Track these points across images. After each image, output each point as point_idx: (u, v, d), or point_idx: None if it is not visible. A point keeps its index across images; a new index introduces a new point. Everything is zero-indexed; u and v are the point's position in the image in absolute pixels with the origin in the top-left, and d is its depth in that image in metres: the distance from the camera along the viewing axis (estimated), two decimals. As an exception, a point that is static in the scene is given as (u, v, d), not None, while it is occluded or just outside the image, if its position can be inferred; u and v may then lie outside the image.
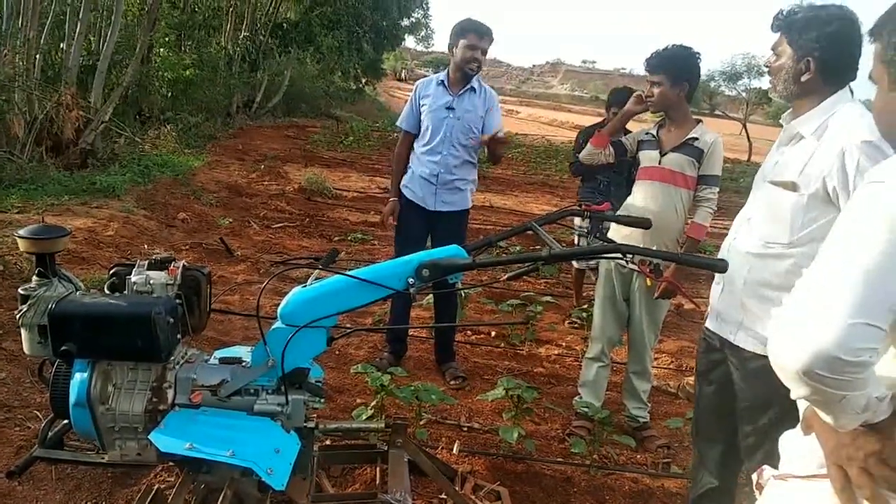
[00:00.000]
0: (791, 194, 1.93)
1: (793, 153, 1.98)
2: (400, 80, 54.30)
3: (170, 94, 11.56)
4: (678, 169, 3.04)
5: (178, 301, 2.06)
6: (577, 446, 2.92)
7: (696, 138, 3.04)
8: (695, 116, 3.21)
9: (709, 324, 2.23)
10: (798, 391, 1.02)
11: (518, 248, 5.97)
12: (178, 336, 2.07)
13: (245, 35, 15.17)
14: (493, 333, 4.59)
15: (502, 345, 4.40)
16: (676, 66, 3.02)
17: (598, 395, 3.34)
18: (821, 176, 1.86)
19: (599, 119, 4.93)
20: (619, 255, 2.02)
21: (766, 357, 1.97)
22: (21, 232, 1.96)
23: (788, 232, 1.93)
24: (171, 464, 2.20)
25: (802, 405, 1.20)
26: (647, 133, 3.21)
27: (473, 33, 3.48)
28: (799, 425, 1.22)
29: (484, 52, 3.51)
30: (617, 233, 3.03)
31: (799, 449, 1.19)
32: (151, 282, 2.04)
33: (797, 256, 1.90)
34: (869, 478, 1.00)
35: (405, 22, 24.57)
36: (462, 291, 4.35)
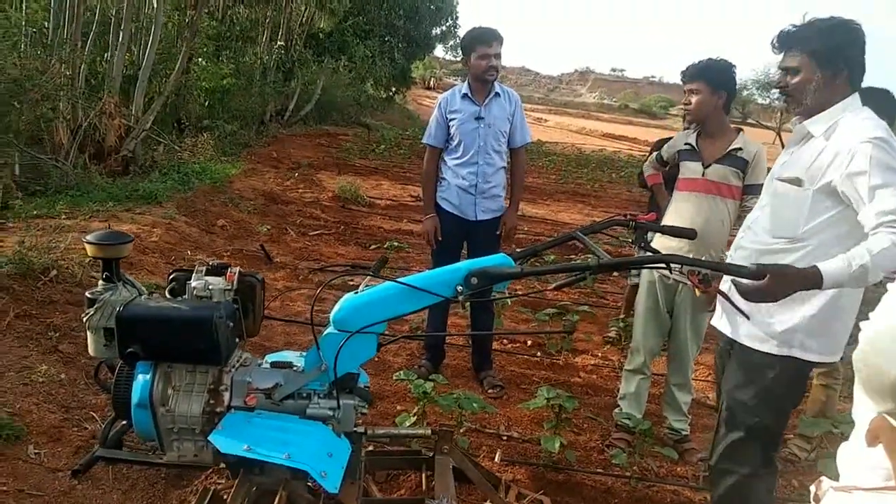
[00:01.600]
0: (797, 189, 1.99)
1: (802, 152, 2.05)
2: (429, 88, 54.55)
3: (207, 103, 11.80)
4: (723, 180, 3.05)
5: (235, 306, 2.13)
6: (618, 458, 2.92)
7: (741, 148, 3.04)
8: (733, 125, 3.21)
9: (715, 321, 2.29)
10: (890, 404, 1.00)
11: (552, 257, 5.98)
12: (236, 340, 2.14)
13: (280, 45, 15.41)
14: (529, 342, 4.61)
15: (539, 354, 4.41)
16: (714, 74, 3.04)
17: (640, 407, 3.33)
18: (829, 171, 1.92)
19: (669, 134, 4.89)
20: (665, 266, 2.04)
21: (760, 353, 2.02)
22: (89, 237, 2.05)
23: (793, 227, 2.00)
24: (222, 466, 2.26)
25: (860, 417, 1.20)
26: (686, 143, 3.21)
27: (481, 44, 3.50)
28: (854, 436, 1.22)
29: (497, 56, 3.53)
30: (662, 245, 3.04)
31: (862, 461, 1.19)
32: (210, 287, 2.11)
33: (802, 251, 1.96)
34: None
35: (435, 31, 24.74)
36: (499, 301, 4.37)
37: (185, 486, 2.50)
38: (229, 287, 2.16)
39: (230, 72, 12.79)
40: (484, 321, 3.81)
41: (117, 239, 2.12)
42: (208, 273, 2.19)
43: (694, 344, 3.25)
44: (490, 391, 3.73)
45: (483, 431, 3.27)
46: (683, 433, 3.33)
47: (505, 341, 4.57)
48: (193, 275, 2.17)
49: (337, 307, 2.11)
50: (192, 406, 2.04)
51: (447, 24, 25.11)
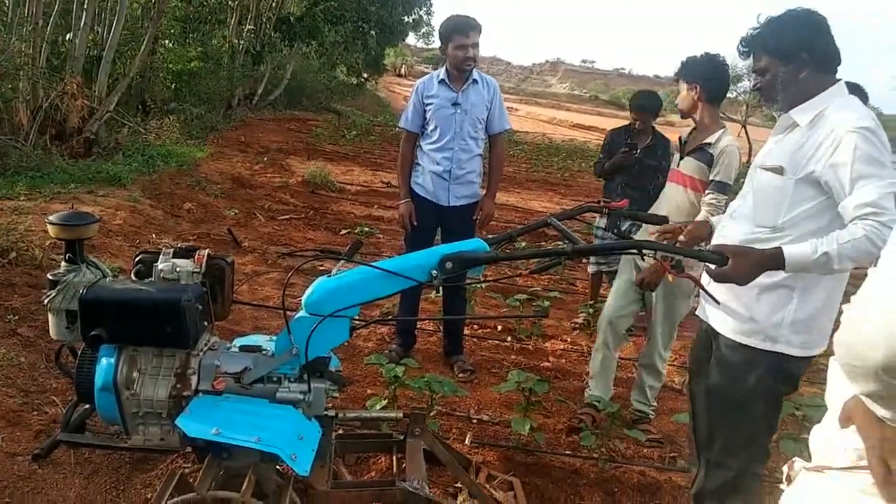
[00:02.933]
0: (779, 178, 1.97)
1: (786, 140, 2.02)
2: (400, 75, 54.20)
3: (174, 86, 11.55)
4: (691, 173, 3.10)
5: (204, 289, 2.09)
6: (587, 439, 2.96)
7: (710, 143, 3.08)
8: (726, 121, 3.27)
9: (698, 311, 2.27)
10: (867, 387, 1.03)
11: (524, 244, 6.00)
12: (204, 324, 2.11)
13: (250, 28, 15.13)
14: (499, 328, 4.63)
15: (509, 339, 4.43)
16: (690, 69, 3.10)
17: (607, 387, 3.39)
18: (811, 161, 1.89)
19: (625, 122, 4.94)
20: (637, 252, 2.06)
21: (743, 346, 2.03)
22: (52, 218, 1.99)
23: (774, 215, 1.97)
24: (188, 450, 2.23)
25: (833, 400, 1.23)
26: (681, 137, 3.29)
27: (458, 34, 3.48)
28: (826, 418, 1.25)
29: (475, 46, 3.51)
30: (644, 232, 3.11)
31: (835, 442, 1.21)
32: (178, 269, 2.07)
33: (783, 241, 1.91)
34: None
35: (408, 18, 24.54)
36: (471, 285, 4.38)
37: (150, 470, 2.47)
38: (198, 270, 2.12)
39: (198, 54, 12.54)
40: (456, 306, 3.81)
41: (82, 219, 2.06)
42: (176, 255, 2.15)
43: (665, 331, 3.30)
44: (461, 375, 3.74)
45: (453, 415, 3.28)
46: (640, 414, 3.38)
47: (476, 326, 4.58)
48: (161, 257, 2.12)
49: (309, 291, 2.08)
50: (158, 390, 2.01)
51: (420, 11, 24.93)
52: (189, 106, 11.34)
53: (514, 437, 3.02)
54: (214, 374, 2.09)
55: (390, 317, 4.20)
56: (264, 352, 2.18)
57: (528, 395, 3.08)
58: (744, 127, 25.84)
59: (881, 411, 1.06)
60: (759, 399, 2.08)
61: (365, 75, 25.14)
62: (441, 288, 3.89)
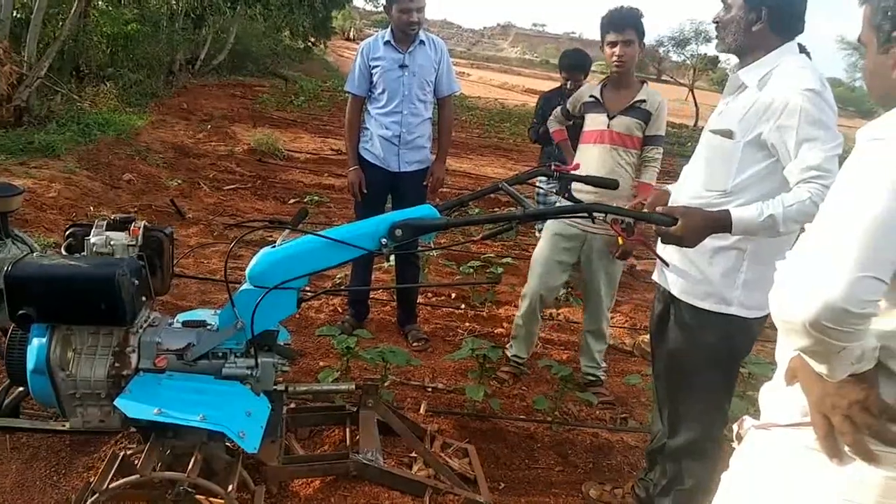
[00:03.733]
0: (728, 142, 1.95)
1: (735, 103, 2.00)
2: (349, 39, 52.95)
3: (109, 51, 11.00)
4: (627, 132, 3.10)
5: (141, 263, 2.00)
6: (540, 403, 2.98)
7: (644, 100, 3.09)
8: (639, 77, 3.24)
9: (655, 276, 2.27)
10: (799, 342, 1.05)
11: (477, 210, 5.97)
12: (143, 299, 2.01)
13: (188, -12, 14.47)
14: (453, 295, 4.61)
15: (463, 306, 4.42)
16: (641, 24, 3.06)
17: (529, 348, 3.50)
18: (759, 123, 1.88)
19: (556, 85, 4.92)
20: (588, 215, 2.04)
21: (698, 309, 2.05)
22: (-31, 190, 1.85)
23: (725, 179, 1.96)
24: (132, 430, 2.15)
25: (781, 358, 1.24)
26: (590, 96, 3.23)
27: None
28: (776, 376, 1.26)
29: (420, 10, 3.40)
30: (576, 195, 3.04)
31: (780, 399, 1.23)
32: (112, 243, 1.97)
33: (733, 205, 1.90)
34: (852, 425, 1.05)
35: (355, -21, 23.90)
36: (424, 253, 4.34)
37: (92, 452, 2.37)
38: (133, 242, 2.02)
39: (134, 17, 11.94)
40: (409, 274, 3.76)
41: (5, 191, 1.94)
42: (110, 228, 2.04)
43: (608, 293, 3.33)
44: (415, 344, 3.71)
45: (408, 384, 3.26)
46: (593, 378, 3.41)
47: (430, 295, 4.55)
48: (93, 230, 2.01)
49: (253, 262, 2.01)
50: (95, 370, 1.92)
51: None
52: (127, 72, 10.83)
53: (468, 405, 3.02)
54: (155, 351, 2.01)
55: (342, 287, 4.13)
56: (209, 327, 2.10)
57: (483, 362, 3.08)
58: (691, 91, 26.26)
59: (817, 367, 1.08)
60: (717, 362, 2.10)
61: (312, 39, 24.46)
62: (393, 256, 3.85)
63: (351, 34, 56.72)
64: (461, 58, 59.90)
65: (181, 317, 2.20)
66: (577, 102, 3.31)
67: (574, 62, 4.48)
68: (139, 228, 2.04)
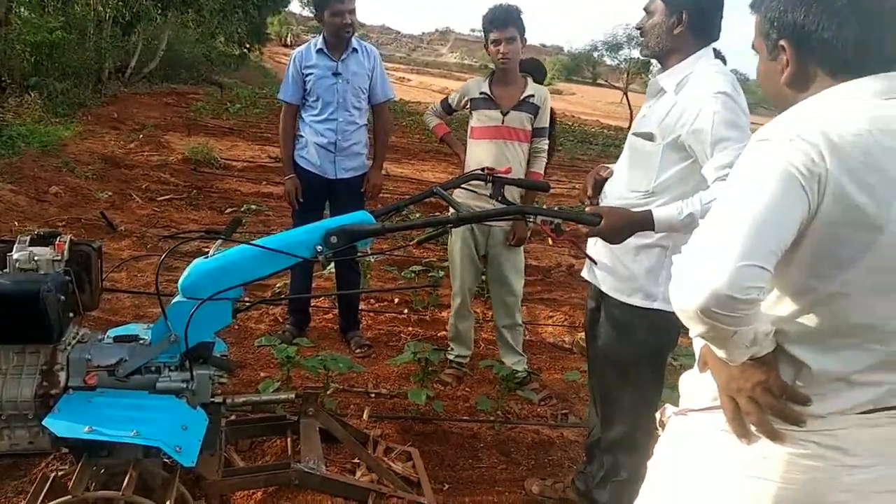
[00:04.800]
0: (649, 144, 2.05)
1: (656, 107, 2.09)
2: (286, 45, 52.21)
3: (33, 59, 10.55)
4: (520, 126, 3.23)
5: (67, 278, 1.94)
6: (482, 403, 3.03)
7: (532, 95, 3.24)
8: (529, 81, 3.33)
9: (584, 272, 2.35)
10: (696, 329, 1.12)
11: (418, 215, 5.99)
12: (70, 315, 1.96)
13: (116, -6, 14.02)
14: (396, 300, 4.62)
15: (406, 311, 4.44)
16: (521, 21, 3.17)
17: (469, 345, 3.58)
18: (676, 126, 1.97)
19: None
20: (521, 217, 2.09)
21: (625, 305, 2.14)
22: None
23: (647, 180, 2.05)
24: (64, 451, 2.08)
25: (696, 348, 1.31)
26: (480, 92, 3.32)
27: (334, 0, 3.36)
28: (696, 365, 1.34)
29: (352, 13, 3.41)
30: (463, 193, 3.04)
31: (695, 386, 1.31)
32: (36, 258, 1.91)
33: (656, 204, 2.00)
34: (756, 406, 1.13)
35: (290, -16, 23.63)
36: (365, 259, 4.34)
37: (21, 476, 2.29)
38: (59, 258, 1.96)
39: (59, 24, 11.50)
40: (350, 281, 3.75)
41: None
42: (33, 243, 1.98)
43: (517, 282, 3.43)
44: (358, 351, 3.71)
45: (351, 391, 3.26)
46: (524, 374, 3.45)
47: (372, 300, 4.55)
48: (16, 245, 1.95)
49: (185, 273, 1.98)
50: (22, 390, 1.86)
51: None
52: (52, 81, 10.41)
53: (412, 408, 3.04)
54: (86, 368, 1.96)
55: (281, 296, 4.09)
56: (141, 341, 2.06)
57: (425, 366, 3.10)
58: (625, 94, 27.02)
59: (719, 352, 1.15)
60: (646, 355, 2.18)
61: (247, 45, 24.03)
62: (334, 263, 3.84)
63: (288, 40, 55.94)
64: (401, 63, 59.87)
65: (112, 332, 2.15)
66: (463, 97, 3.41)
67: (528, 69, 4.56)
68: (65, 243, 1.98)
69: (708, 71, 1.99)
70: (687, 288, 1.08)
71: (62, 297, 1.86)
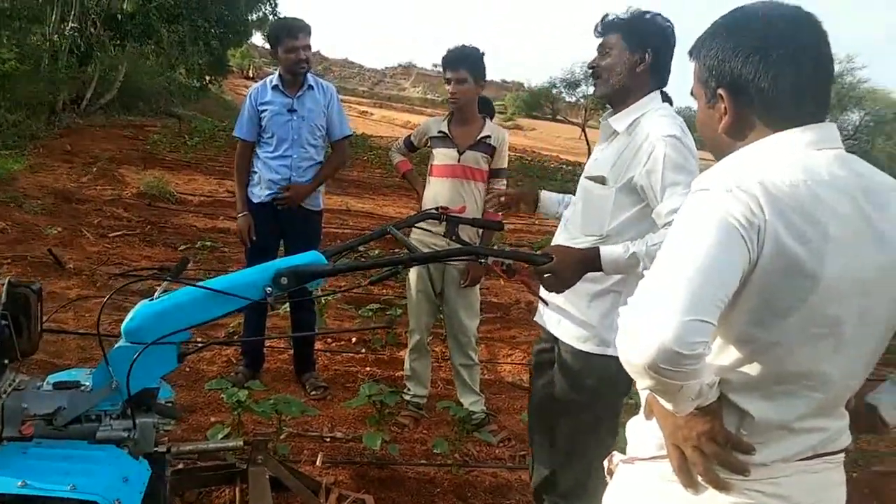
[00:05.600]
0: (602, 187, 2.07)
1: (608, 150, 2.12)
2: (248, 77, 52.11)
3: (-17, 90, 10.32)
4: (476, 165, 3.28)
5: (3, 322, 1.86)
6: (439, 446, 2.98)
7: (489, 135, 3.29)
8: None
9: (537, 317, 2.35)
10: (643, 383, 1.12)
11: (377, 251, 5.98)
12: (5, 361, 1.87)
13: (73, 26, 13.85)
14: (353, 339, 4.56)
15: (363, 350, 4.38)
16: (477, 63, 3.22)
17: (426, 384, 3.56)
18: (629, 169, 2.00)
19: None
20: (475, 257, 2.09)
21: (580, 351, 2.12)
22: None
23: (601, 224, 2.06)
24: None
25: (643, 394, 1.31)
26: (438, 131, 3.37)
27: (288, 37, 3.40)
28: (641, 411, 1.33)
29: (307, 48, 3.44)
30: (415, 231, 3.13)
31: (642, 434, 1.30)
32: (-31, 303, 1.82)
33: None
34: (701, 455, 1.13)
35: (253, 17, 23.70)
36: (321, 298, 4.28)
37: (-52, 535, 2.15)
38: (-5, 301, 1.88)
39: (13, 55, 11.28)
40: (303, 321, 3.69)
41: None
42: (-32, 286, 1.89)
43: (470, 320, 3.43)
44: (313, 393, 3.63)
45: (305, 435, 3.18)
46: (482, 415, 3.42)
47: (329, 340, 4.49)
48: (-53, 289, 1.86)
49: (129, 317, 1.92)
50: (-50, 443, 1.75)
51: (264, 9, 24.14)
52: (3, 112, 10.18)
53: (368, 453, 2.98)
54: (21, 417, 1.87)
55: (233, 337, 4.00)
56: (82, 388, 1.98)
57: (381, 408, 3.05)
58: (583, 130, 27.61)
59: (666, 404, 1.15)
60: (599, 402, 2.17)
61: (208, 77, 23.93)
62: (289, 303, 3.77)
63: (250, 72, 55.92)
64: (364, 97, 60.30)
65: (52, 378, 2.05)
66: (423, 136, 3.47)
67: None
68: (2, 285, 1.90)
69: (658, 114, 2.03)
70: (633, 343, 1.07)
71: (-4, 344, 1.78)
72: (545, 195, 2.40)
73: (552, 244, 2.15)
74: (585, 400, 2.15)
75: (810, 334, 1.12)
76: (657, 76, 2.09)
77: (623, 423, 2.35)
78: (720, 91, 1.22)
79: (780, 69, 1.15)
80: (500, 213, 3.25)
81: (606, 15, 2.14)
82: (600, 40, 2.13)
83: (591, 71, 2.18)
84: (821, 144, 1.16)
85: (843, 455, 1.23)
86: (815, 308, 1.10)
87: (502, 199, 2.36)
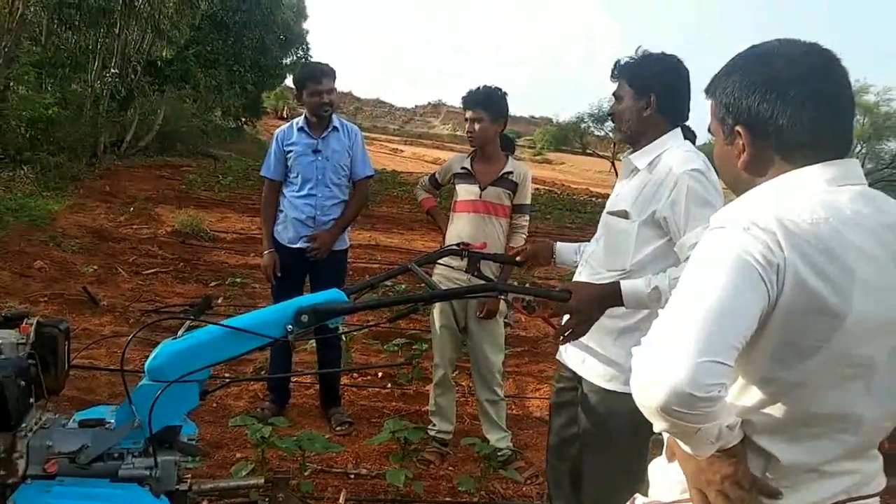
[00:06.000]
0: (625, 222, 2.06)
1: (629, 185, 2.13)
2: (282, 118, 53.45)
3: (28, 134, 10.74)
4: (497, 201, 3.30)
5: (31, 361, 1.89)
6: (465, 484, 2.93)
7: (511, 172, 3.32)
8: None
9: (559, 355, 2.31)
10: (659, 425, 1.08)
11: (404, 286, 5.99)
12: (32, 400, 1.90)
13: (114, 73, 14.41)
14: (380, 374, 4.55)
15: (389, 385, 4.36)
16: (495, 104, 3.26)
17: (451, 419, 3.51)
18: (651, 204, 2.00)
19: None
20: (495, 294, 2.08)
21: (606, 391, 2.09)
22: None
23: (624, 259, 2.04)
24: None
25: (665, 436, 1.27)
26: (462, 167, 3.41)
27: (311, 81, 3.50)
28: (664, 453, 1.29)
29: (330, 92, 3.52)
30: (439, 267, 3.14)
31: (664, 476, 1.26)
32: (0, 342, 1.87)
33: None
34: (726, 499, 1.08)
35: (286, 61, 24.41)
36: (348, 334, 4.29)
37: (-25, 572, 2.17)
38: (24, 340, 1.92)
39: (56, 100, 11.76)
40: (329, 358, 3.70)
41: None
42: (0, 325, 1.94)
43: (495, 355, 3.39)
44: (338, 428, 3.62)
45: (330, 472, 3.16)
46: (508, 452, 3.37)
47: (355, 375, 4.48)
48: (-22, 329, 1.91)
49: (152, 355, 1.94)
50: (-24, 480, 1.78)
51: (297, 54, 24.86)
52: (46, 155, 10.57)
53: (392, 490, 2.94)
54: (46, 455, 1.89)
55: (263, 371, 4.02)
56: (107, 425, 2.00)
57: (405, 445, 3.02)
58: (612, 163, 27.55)
59: (684, 446, 1.11)
60: (628, 440, 2.11)
61: (243, 119, 24.60)
62: (315, 340, 3.78)
63: (284, 113, 57.37)
64: (394, 135, 61.25)
65: (79, 415, 2.09)
66: (447, 173, 3.52)
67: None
68: (30, 325, 1.94)
69: (680, 150, 2.03)
70: (646, 385, 1.04)
71: (23, 382, 1.81)
72: (560, 246, 2.38)
73: (572, 280, 2.13)
74: (612, 441, 2.11)
75: (839, 375, 1.08)
76: (672, 114, 2.09)
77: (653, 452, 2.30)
78: (738, 128, 1.20)
79: (798, 106, 1.13)
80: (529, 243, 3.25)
81: (619, 61, 2.16)
82: (615, 85, 2.16)
83: (610, 117, 2.23)
84: (842, 181, 1.13)
85: (877, 499, 1.17)
86: (842, 348, 1.06)
87: (518, 257, 2.35)
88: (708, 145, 2.16)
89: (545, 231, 11.68)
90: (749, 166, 1.21)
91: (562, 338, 1.92)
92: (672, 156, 2.02)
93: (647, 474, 2.20)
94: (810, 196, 1.10)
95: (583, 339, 2.10)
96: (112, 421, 2.00)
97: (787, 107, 1.14)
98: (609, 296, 1.87)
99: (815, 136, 1.14)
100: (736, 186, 1.25)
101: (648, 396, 1.03)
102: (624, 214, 2.07)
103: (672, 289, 1.81)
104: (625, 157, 2.21)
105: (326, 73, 3.51)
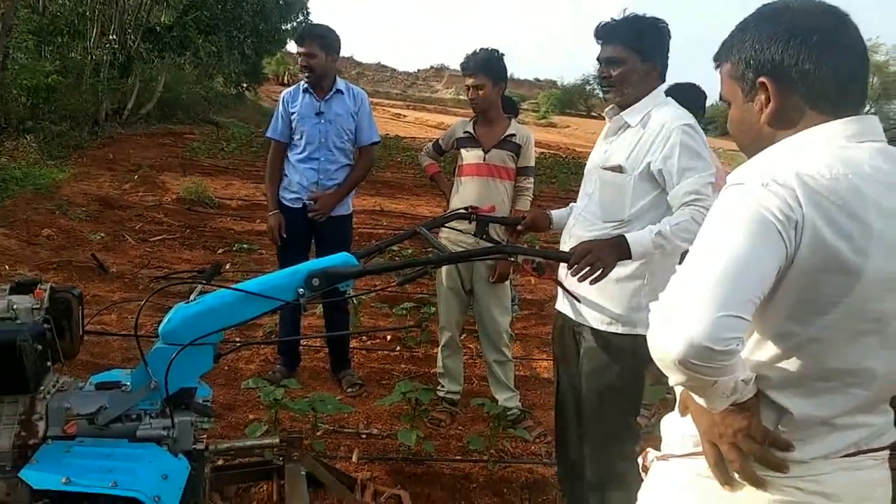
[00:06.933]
0: (620, 176, 2.15)
1: (620, 141, 2.21)
2: (283, 84, 52.94)
3: (30, 103, 10.68)
4: (501, 164, 3.30)
5: (46, 326, 1.92)
6: (475, 442, 2.98)
7: (514, 134, 3.32)
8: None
9: (558, 305, 2.38)
10: (675, 378, 1.10)
11: (410, 251, 6.00)
12: (49, 363, 1.93)
13: (112, 39, 14.23)
14: (388, 338, 4.59)
15: (398, 348, 4.40)
16: (495, 66, 3.24)
17: (459, 380, 3.56)
18: (645, 158, 2.10)
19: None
20: (504, 256, 2.09)
21: (608, 333, 2.15)
22: None
23: (621, 211, 2.14)
24: (45, 502, 2.04)
25: (678, 390, 1.29)
26: (464, 132, 3.41)
27: (297, 44, 3.50)
28: (676, 408, 1.31)
29: (311, 56, 3.44)
30: (445, 231, 3.20)
31: (677, 430, 1.28)
32: (15, 307, 1.89)
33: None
34: (738, 452, 1.10)
35: (286, 26, 24.05)
36: (355, 298, 4.31)
37: (0, 530, 2.23)
38: (38, 306, 1.94)
39: (56, 68, 11.65)
40: (338, 321, 3.73)
41: None
42: (13, 291, 1.96)
43: (502, 316, 3.42)
44: (349, 390, 3.67)
45: (342, 432, 3.21)
46: (517, 412, 3.42)
47: (364, 339, 4.52)
48: (-7, 295, 1.93)
49: (165, 319, 1.96)
50: (-1, 440, 1.82)
51: (298, 19, 24.47)
52: (48, 124, 10.52)
53: (403, 449, 2.99)
54: (65, 417, 1.93)
55: (273, 335, 4.06)
56: (123, 388, 2.04)
57: (415, 405, 3.06)
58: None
59: (698, 399, 1.13)
60: (629, 382, 2.21)
61: (244, 85, 24.36)
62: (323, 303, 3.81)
63: (285, 79, 56.75)
64: (397, 100, 60.58)
65: (94, 378, 2.12)
66: (451, 139, 3.51)
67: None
68: (44, 291, 1.96)
69: (669, 107, 2.16)
70: (664, 338, 1.05)
71: (40, 346, 1.84)
72: (556, 213, 2.44)
73: (568, 233, 2.24)
74: (615, 382, 2.20)
75: (854, 330, 1.09)
76: (663, 75, 2.23)
77: (658, 419, 2.34)
78: (762, 79, 1.17)
79: (821, 53, 1.12)
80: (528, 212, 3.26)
81: (606, 23, 2.18)
82: (608, 49, 2.17)
83: (602, 80, 2.24)
84: (862, 137, 1.12)
85: (887, 452, 1.19)
86: (858, 304, 1.06)
87: (518, 227, 2.38)
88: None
89: (551, 195, 11.63)
90: (775, 118, 1.18)
91: (580, 276, 1.93)
92: (662, 112, 2.13)
93: (640, 409, 2.29)
94: (829, 152, 1.09)
95: (584, 290, 2.13)
96: (128, 384, 2.04)
97: (812, 52, 1.12)
98: (620, 246, 1.96)
99: (838, 87, 1.13)
100: (755, 147, 1.22)
101: (667, 350, 1.04)
102: (619, 169, 2.16)
103: (675, 233, 1.93)
104: (612, 114, 2.27)
105: (308, 35, 3.47)
